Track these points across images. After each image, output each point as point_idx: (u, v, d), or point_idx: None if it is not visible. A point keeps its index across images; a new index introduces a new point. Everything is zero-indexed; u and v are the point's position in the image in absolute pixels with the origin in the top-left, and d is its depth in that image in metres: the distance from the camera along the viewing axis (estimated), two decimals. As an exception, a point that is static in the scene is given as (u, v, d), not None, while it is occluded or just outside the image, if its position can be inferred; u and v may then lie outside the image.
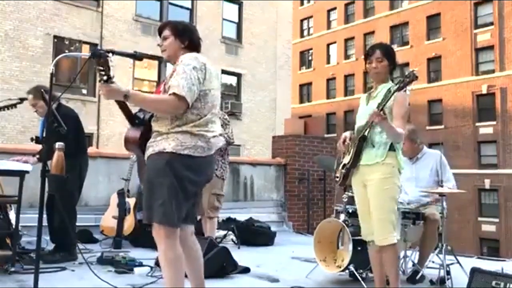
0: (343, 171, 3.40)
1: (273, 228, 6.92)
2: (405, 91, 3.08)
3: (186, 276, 2.82)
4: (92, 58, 2.43)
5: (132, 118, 2.75)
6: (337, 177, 3.48)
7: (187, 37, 2.79)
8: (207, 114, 2.66)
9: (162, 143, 2.60)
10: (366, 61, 3.41)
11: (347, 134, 3.47)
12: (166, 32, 2.80)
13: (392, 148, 3.24)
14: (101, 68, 2.39)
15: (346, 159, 3.40)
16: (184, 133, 2.59)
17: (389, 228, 3.19)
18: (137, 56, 2.82)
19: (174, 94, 2.52)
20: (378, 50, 3.36)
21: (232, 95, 21.51)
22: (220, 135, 2.79)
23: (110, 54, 2.46)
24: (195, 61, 2.64)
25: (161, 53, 2.84)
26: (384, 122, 3.09)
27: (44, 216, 4.30)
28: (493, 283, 3.09)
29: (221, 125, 5.20)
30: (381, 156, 3.22)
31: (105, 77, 2.40)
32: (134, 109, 2.80)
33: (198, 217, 5.44)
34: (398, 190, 3.32)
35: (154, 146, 2.63)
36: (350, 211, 4.47)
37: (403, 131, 3.21)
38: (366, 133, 3.28)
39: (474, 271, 3.23)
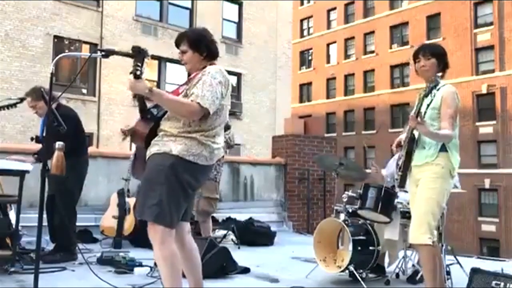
0: (400, 173, 3.36)
1: (273, 228, 6.92)
2: (432, 95, 3.08)
3: (184, 276, 2.83)
4: (132, 53, 2.62)
5: (144, 112, 2.80)
6: (397, 179, 3.43)
7: (205, 47, 2.83)
8: (217, 127, 2.77)
9: (169, 144, 2.67)
10: (415, 61, 3.40)
11: (402, 137, 3.45)
12: (184, 47, 2.85)
13: (444, 148, 3.18)
14: (139, 64, 2.59)
15: (401, 162, 3.39)
16: (193, 140, 2.68)
17: (423, 228, 3.11)
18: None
19: (197, 103, 2.61)
20: (426, 49, 3.38)
21: (232, 95, 21.41)
22: (222, 147, 2.89)
23: (149, 53, 2.66)
24: (222, 76, 2.75)
25: (184, 66, 2.92)
26: (420, 127, 3.09)
27: (44, 216, 4.31)
28: (493, 283, 3.10)
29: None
30: (431, 157, 3.18)
31: (138, 72, 2.57)
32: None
33: (196, 218, 5.42)
34: (445, 194, 3.21)
35: (160, 145, 2.69)
36: (350, 211, 4.48)
37: (449, 132, 3.13)
38: (415, 135, 3.26)
39: (474, 271, 3.24)
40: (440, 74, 3.31)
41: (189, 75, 2.92)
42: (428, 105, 3.23)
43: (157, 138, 2.73)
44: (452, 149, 3.22)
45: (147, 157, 2.74)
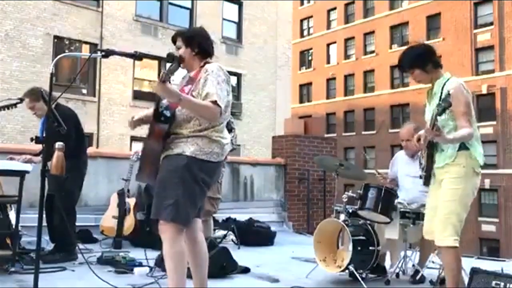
0: (424, 173, 3.35)
1: (273, 228, 6.92)
2: (443, 109, 3.01)
3: (190, 277, 2.84)
4: (166, 60, 2.67)
5: (158, 115, 2.82)
6: (420, 176, 3.42)
7: (196, 44, 2.91)
8: (223, 122, 2.85)
9: (181, 145, 2.73)
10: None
11: (421, 132, 3.37)
12: (178, 43, 2.95)
13: (463, 147, 3.15)
14: (171, 72, 2.62)
15: (423, 162, 3.37)
16: (204, 138, 2.74)
17: (448, 230, 3.10)
18: (137, 56, 2.83)
19: (215, 102, 2.68)
20: (404, 66, 3.39)
21: (232, 95, 21.47)
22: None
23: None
24: (224, 74, 2.83)
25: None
26: (438, 138, 3.08)
27: (44, 216, 4.31)
28: (493, 283, 3.09)
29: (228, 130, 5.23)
30: (450, 157, 3.17)
31: (170, 79, 2.60)
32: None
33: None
34: (470, 193, 3.20)
35: (173, 147, 2.75)
36: (350, 211, 4.47)
37: (468, 129, 3.09)
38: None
39: (474, 271, 3.23)
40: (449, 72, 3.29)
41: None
42: (440, 114, 3.15)
43: (168, 141, 2.78)
44: (473, 144, 3.18)
45: (161, 160, 2.77)
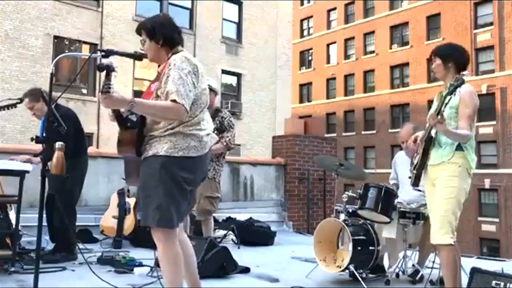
0: (414, 171, 3.36)
1: (273, 228, 6.92)
2: (454, 94, 3.06)
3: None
4: (98, 71, 2.50)
5: (122, 122, 2.71)
6: (410, 177, 3.43)
7: (161, 35, 2.73)
8: (199, 114, 2.68)
9: (155, 146, 2.62)
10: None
11: (419, 133, 3.44)
12: (143, 36, 2.78)
13: (460, 148, 3.20)
14: (109, 82, 2.44)
15: (416, 160, 3.38)
16: (177, 134, 2.60)
17: (445, 227, 3.12)
18: (137, 56, 2.82)
19: (174, 101, 2.51)
20: (434, 51, 3.41)
21: (232, 95, 21.51)
22: (213, 132, 2.81)
23: (115, 67, 2.52)
24: (188, 65, 2.62)
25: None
26: (439, 125, 3.08)
27: (44, 216, 4.31)
28: (493, 283, 3.09)
29: (225, 128, 5.18)
30: (447, 156, 3.20)
31: (110, 90, 2.44)
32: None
33: (197, 218, 5.40)
34: (464, 193, 3.23)
35: (148, 149, 2.65)
36: (350, 211, 4.47)
37: (468, 132, 3.15)
38: (432, 134, 3.26)
39: (474, 271, 3.23)
40: (465, 73, 3.31)
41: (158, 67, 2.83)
42: (446, 104, 3.19)
43: (144, 142, 2.68)
44: (469, 148, 3.23)
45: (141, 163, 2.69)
